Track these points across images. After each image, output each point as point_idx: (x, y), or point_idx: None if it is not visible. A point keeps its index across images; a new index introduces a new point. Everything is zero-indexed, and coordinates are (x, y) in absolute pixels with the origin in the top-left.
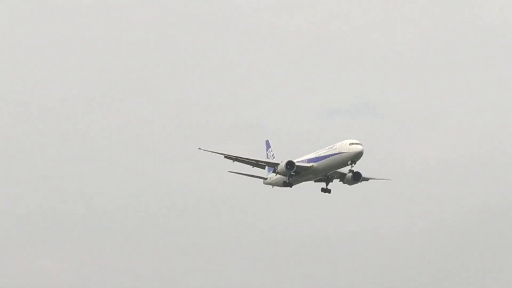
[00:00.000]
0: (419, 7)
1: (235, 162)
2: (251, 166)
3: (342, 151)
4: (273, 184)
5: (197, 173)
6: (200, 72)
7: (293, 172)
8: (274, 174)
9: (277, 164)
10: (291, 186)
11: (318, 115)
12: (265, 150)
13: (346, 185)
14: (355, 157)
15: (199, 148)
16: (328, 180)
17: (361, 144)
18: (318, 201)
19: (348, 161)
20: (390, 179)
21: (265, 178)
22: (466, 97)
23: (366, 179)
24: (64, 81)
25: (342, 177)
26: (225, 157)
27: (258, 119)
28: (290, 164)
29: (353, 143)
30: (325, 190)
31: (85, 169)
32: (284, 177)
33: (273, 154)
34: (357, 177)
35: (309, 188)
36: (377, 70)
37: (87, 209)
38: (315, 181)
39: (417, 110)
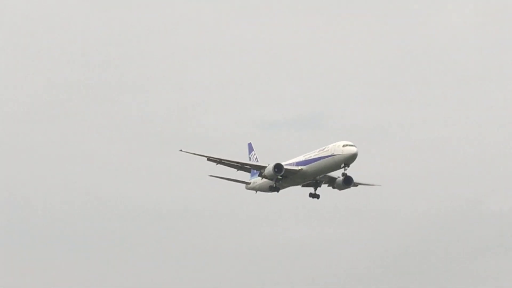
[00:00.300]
0: (365, 20)
1: (218, 165)
2: (236, 170)
3: (335, 153)
4: (257, 189)
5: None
6: (141, 83)
7: (281, 175)
8: (260, 178)
9: (264, 167)
10: (278, 191)
11: (261, 126)
12: (247, 153)
13: (335, 190)
14: (349, 159)
15: (180, 150)
16: (316, 184)
17: (355, 146)
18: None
19: (341, 164)
20: (380, 185)
21: (248, 183)
22: (412, 110)
23: (356, 185)
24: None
25: (332, 182)
26: (208, 159)
27: (201, 131)
28: (278, 167)
29: (346, 145)
30: (314, 196)
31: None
32: (270, 181)
33: (256, 157)
34: (348, 182)
35: (297, 193)
36: (322, 82)
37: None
38: (302, 186)
39: (361, 122)
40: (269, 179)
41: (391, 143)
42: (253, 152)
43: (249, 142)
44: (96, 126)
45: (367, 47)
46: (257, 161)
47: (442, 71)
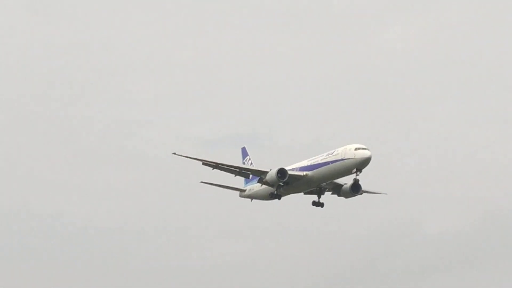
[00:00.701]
0: (303, 38)
1: (214, 170)
2: (234, 175)
3: (346, 157)
4: (254, 196)
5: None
6: (78, 96)
7: (284, 182)
8: (259, 184)
9: (265, 172)
10: (279, 198)
11: (202, 144)
12: (241, 158)
13: (341, 197)
14: (362, 164)
15: (174, 153)
16: (320, 192)
17: (369, 150)
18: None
19: (353, 168)
20: (386, 193)
21: (242, 190)
22: (346, 130)
23: (361, 193)
24: None
25: (337, 189)
26: (203, 163)
27: (142, 147)
28: (281, 172)
29: (359, 148)
30: (317, 204)
31: None
32: (270, 188)
33: (251, 163)
34: (356, 189)
35: (299, 201)
36: (261, 100)
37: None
38: (305, 193)
39: (298, 140)
40: (270, 185)
41: None
42: (247, 157)
43: (243, 146)
44: (32, 140)
45: (304, 66)
46: (253, 166)
47: (379, 92)
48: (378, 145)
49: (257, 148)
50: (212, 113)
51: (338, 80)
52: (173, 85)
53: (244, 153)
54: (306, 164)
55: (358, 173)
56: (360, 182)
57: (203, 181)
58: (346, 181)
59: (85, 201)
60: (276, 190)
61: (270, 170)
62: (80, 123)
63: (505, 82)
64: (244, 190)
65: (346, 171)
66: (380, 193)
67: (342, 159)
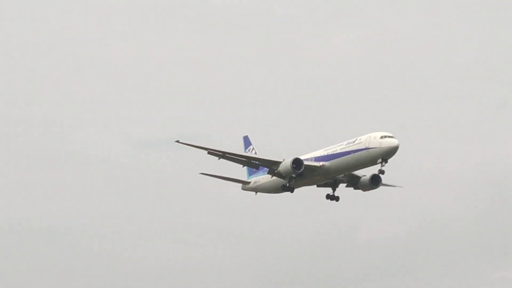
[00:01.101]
0: (245, 42)
1: (220, 160)
2: (242, 166)
3: (371, 146)
4: (260, 189)
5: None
6: (14, 96)
7: (298, 173)
8: (268, 176)
9: (277, 163)
10: (292, 191)
11: (139, 145)
12: (243, 148)
13: (358, 191)
14: (389, 153)
15: (177, 141)
16: (335, 184)
17: (396, 138)
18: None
19: (378, 159)
20: (402, 186)
21: (246, 182)
22: (291, 134)
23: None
24: None
25: (354, 181)
26: (209, 153)
27: (75, 147)
28: (297, 162)
29: (385, 136)
30: (332, 197)
31: None
32: (281, 180)
33: (255, 153)
34: (376, 181)
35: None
36: (199, 103)
37: None
38: (318, 186)
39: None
40: (282, 177)
41: None
42: (251, 147)
43: (245, 135)
44: None
45: (246, 70)
46: (263, 156)
47: (319, 97)
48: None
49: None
50: (151, 114)
51: (281, 83)
52: (112, 86)
53: (247, 142)
54: (322, 154)
55: (383, 163)
56: (379, 174)
57: (203, 172)
58: (364, 172)
59: (24, 201)
60: (289, 182)
61: (284, 160)
62: (18, 123)
63: (445, 88)
64: (248, 183)
65: (370, 161)
66: (396, 186)
67: (366, 148)
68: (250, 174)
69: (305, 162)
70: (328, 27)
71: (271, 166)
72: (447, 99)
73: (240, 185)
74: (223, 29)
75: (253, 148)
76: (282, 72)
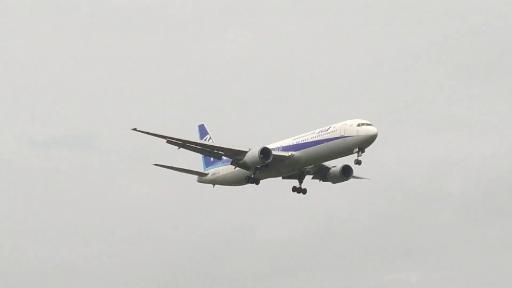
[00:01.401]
0: (144, 42)
1: (180, 149)
2: (203, 155)
3: (346, 134)
4: (220, 182)
5: None
6: None
7: (266, 164)
8: (231, 167)
9: (242, 153)
10: (257, 183)
11: (33, 145)
12: (198, 137)
13: (326, 183)
14: (367, 142)
15: (134, 129)
16: (302, 176)
17: (374, 126)
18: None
19: (355, 148)
20: (369, 179)
21: (203, 174)
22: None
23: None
24: None
25: (322, 172)
26: (168, 141)
27: None
28: (265, 152)
29: (363, 124)
30: (299, 190)
31: None
32: (244, 171)
33: (212, 142)
34: (347, 173)
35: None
36: (92, 102)
37: None
38: (283, 178)
39: (131, 143)
40: (247, 167)
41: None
42: (207, 136)
43: (201, 123)
44: None
45: (142, 69)
46: (228, 145)
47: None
48: None
49: (90, 150)
50: (45, 114)
51: (176, 81)
52: (4, 84)
53: (203, 131)
54: (290, 143)
55: (360, 153)
56: (350, 165)
57: (157, 163)
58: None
59: None
60: (254, 173)
61: (250, 149)
62: None
63: (340, 90)
64: (206, 174)
65: (345, 151)
66: (363, 178)
67: (341, 137)
68: (207, 165)
69: (274, 152)
70: (226, 26)
71: (235, 156)
72: (343, 101)
73: (196, 177)
74: (121, 27)
75: (210, 138)
76: (177, 71)
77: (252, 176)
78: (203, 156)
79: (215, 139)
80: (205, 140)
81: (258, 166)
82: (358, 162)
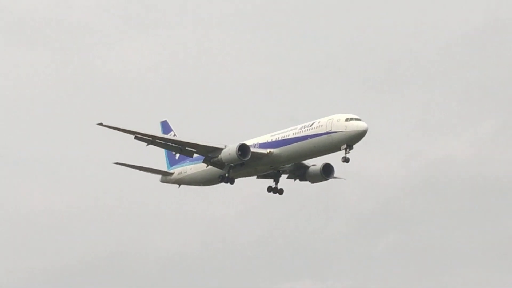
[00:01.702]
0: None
1: (149, 146)
2: (174, 153)
3: (333, 130)
4: (188, 181)
5: None
6: None
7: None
8: (203, 165)
9: (218, 149)
10: (232, 182)
11: None
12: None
13: (305, 182)
14: (356, 138)
15: (100, 124)
16: (278, 175)
17: (363, 121)
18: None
19: (343, 144)
20: (345, 179)
21: (168, 173)
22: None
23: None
24: None
25: (300, 171)
26: (136, 137)
27: None
28: (243, 149)
29: (351, 119)
30: (275, 190)
31: None
32: (217, 170)
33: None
34: (328, 172)
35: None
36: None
37: None
38: (258, 177)
39: (29, 156)
40: (221, 166)
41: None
42: (171, 132)
43: (163, 119)
44: None
45: (39, 77)
46: (201, 141)
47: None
48: None
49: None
50: None
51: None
52: None
53: (166, 127)
54: (269, 140)
55: (348, 150)
56: (331, 163)
57: (117, 162)
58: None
59: None
60: (228, 171)
61: (225, 146)
62: None
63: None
64: (171, 174)
65: (331, 148)
66: (339, 178)
67: (327, 133)
68: (171, 164)
69: (252, 149)
70: (121, 36)
71: (209, 153)
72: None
73: (159, 177)
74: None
75: (175, 134)
76: (71, 80)
77: (227, 175)
78: (167, 153)
79: (179, 136)
80: (169, 136)
81: (232, 165)
82: (346, 160)
